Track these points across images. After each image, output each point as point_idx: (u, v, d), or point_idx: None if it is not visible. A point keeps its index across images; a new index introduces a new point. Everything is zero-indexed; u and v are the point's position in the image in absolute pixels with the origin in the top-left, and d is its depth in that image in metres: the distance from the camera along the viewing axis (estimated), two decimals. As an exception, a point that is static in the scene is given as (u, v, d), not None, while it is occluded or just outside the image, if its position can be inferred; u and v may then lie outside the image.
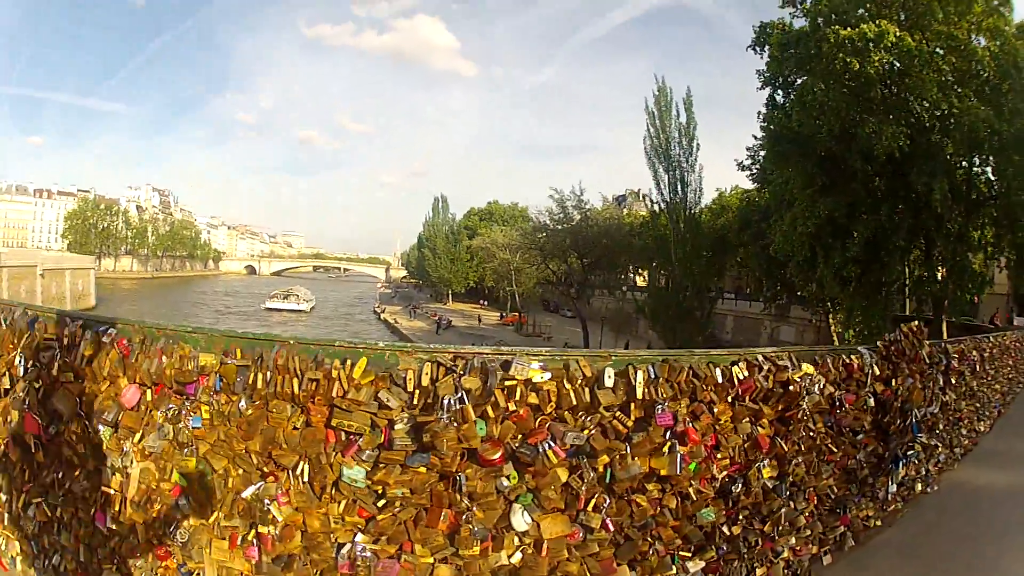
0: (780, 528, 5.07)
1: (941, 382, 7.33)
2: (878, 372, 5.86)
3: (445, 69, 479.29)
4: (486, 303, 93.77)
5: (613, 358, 4.09)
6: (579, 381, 3.88)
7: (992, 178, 25.44)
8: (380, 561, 3.62)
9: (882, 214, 24.64)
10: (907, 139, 22.87)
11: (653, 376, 4.10)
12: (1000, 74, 23.08)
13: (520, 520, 3.77)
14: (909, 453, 6.70)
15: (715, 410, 4.38)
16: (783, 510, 5.05)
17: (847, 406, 5.47)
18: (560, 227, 54.20)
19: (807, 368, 4.99)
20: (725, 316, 53.72)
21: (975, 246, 26.31)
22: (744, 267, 45.88)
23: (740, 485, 4.63)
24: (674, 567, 4.32)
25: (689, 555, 4.41)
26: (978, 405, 9.59)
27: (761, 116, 29.10)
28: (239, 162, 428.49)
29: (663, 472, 4.11)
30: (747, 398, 4.58)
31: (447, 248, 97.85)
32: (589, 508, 3.95)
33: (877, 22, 22.82)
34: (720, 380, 4.41)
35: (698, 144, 41.77)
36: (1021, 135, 22.19)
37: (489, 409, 3.63)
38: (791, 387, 4.79)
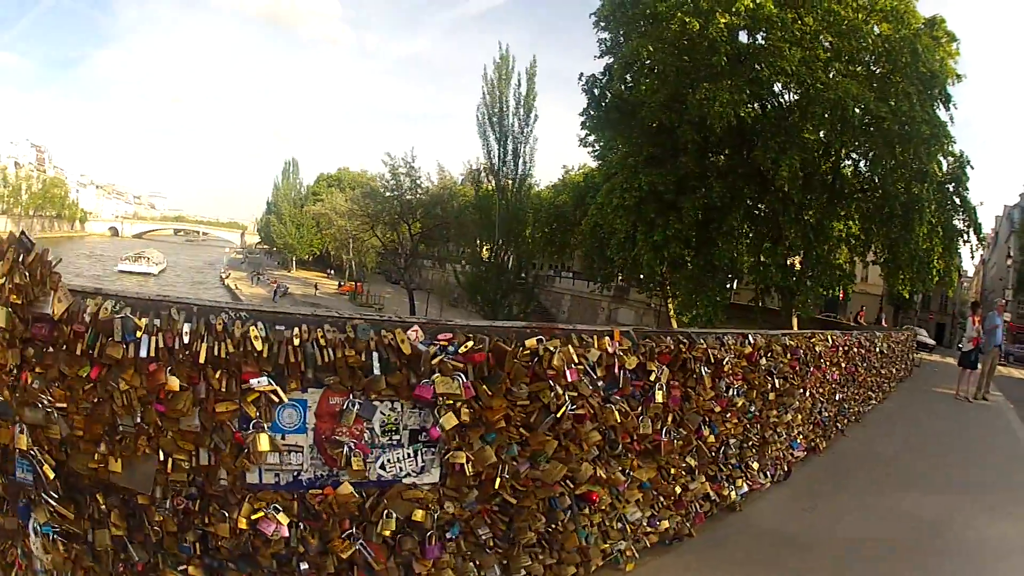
0: None
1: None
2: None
3: (323, 34, 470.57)
4: (333, 272, 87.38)
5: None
6: None
7: (863, 170, 23.17)
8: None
9: (715, 191, 21.00)
10: (754, 111, 20.18)
11: None
12: (890, 59, 20.33)
13: None
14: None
15: None
16: None
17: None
18: (390, 194, 49.24)
19: None
20: (563, 295, 52.75)
21: (835, 238, 23.53)
22: (579, 246, 42.41)
23: None
24: None
25: None
26: (695, 462, 5.22)
27: (582, 79, 24.74)
28: (115, 119, 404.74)
29: None
30: None
31: (293, 214, 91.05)
32: None
33: None
34: None
35: (536, 115, 38.55)
36: (906, 125, 19.30)
37: None
38: None
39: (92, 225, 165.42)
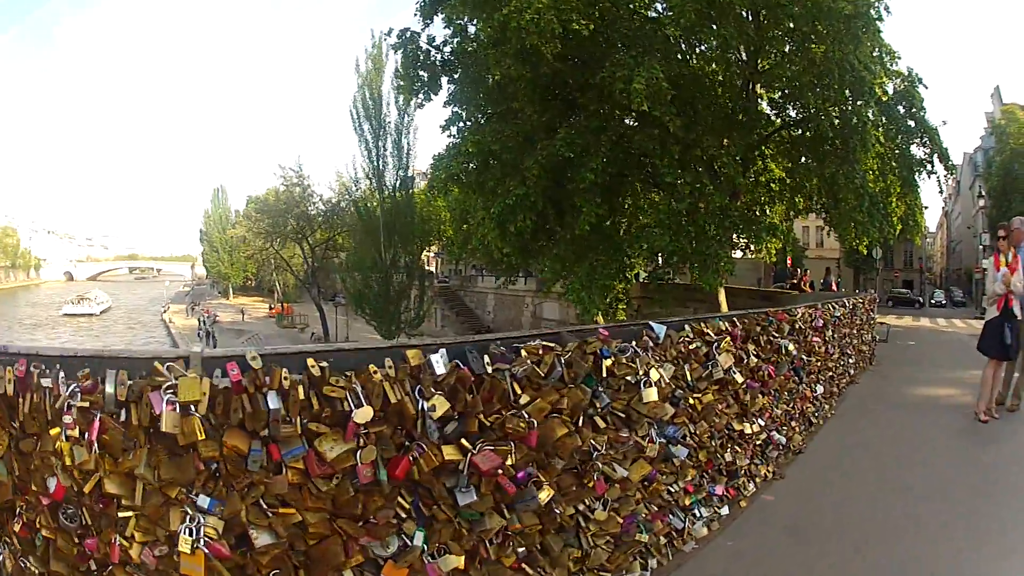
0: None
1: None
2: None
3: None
4: (277, 296, 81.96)
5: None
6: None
7: (777, 98, 17.86)
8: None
9: (560, 139, 15.29)
10: (595, 23, 13.97)
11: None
12: None
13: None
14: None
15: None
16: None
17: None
18: (282, 207, 44.70)
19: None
20: (486, 295, 48.64)
21: (750, 184, 18.35)
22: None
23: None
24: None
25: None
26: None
27: (391, 34, 18.73)
28: (59, 156, 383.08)
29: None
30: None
31: (223, 240, 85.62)
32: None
33: None
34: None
35: (417, 103, 32.30)
36: (815, 20, 14.01)
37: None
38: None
39: (47, 271, 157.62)
